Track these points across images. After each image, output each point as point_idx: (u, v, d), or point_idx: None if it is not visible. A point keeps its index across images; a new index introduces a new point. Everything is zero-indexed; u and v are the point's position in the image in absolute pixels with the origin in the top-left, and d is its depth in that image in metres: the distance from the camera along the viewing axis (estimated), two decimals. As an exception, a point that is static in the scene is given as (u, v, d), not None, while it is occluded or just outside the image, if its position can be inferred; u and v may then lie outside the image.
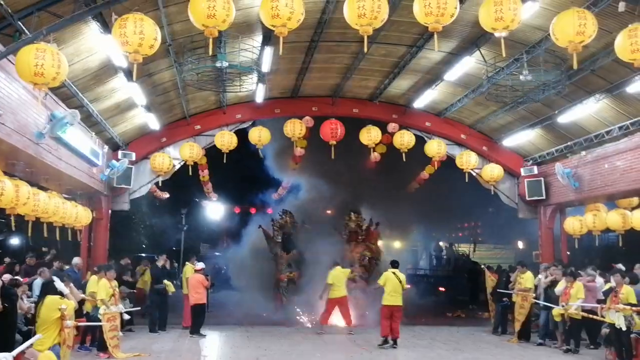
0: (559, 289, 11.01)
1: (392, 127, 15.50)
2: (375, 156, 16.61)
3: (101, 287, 9.79)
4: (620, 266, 11.86)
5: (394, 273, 11.43)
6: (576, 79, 11.40)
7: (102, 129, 12.96)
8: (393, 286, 11.29)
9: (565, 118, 13.27)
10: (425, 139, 15.90)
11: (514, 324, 12.40)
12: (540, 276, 12.38)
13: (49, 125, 9.41)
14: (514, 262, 18.12)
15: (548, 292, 11.65)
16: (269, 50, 10.93)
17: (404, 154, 15.20)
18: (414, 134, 15.32)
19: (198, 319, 12.42)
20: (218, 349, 11.17)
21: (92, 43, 9.31)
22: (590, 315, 10.23)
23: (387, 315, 11.23)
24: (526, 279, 12.30)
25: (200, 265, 13.10)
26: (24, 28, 7.57)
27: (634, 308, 9.09)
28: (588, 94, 12.18)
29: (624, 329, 9.24)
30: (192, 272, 13.43)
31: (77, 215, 12.46)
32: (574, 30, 7.12)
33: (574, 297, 10.64)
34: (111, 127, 13.24)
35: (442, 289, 22.27)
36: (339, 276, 13.16)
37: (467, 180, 16.34)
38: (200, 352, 10.67)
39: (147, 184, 15.30)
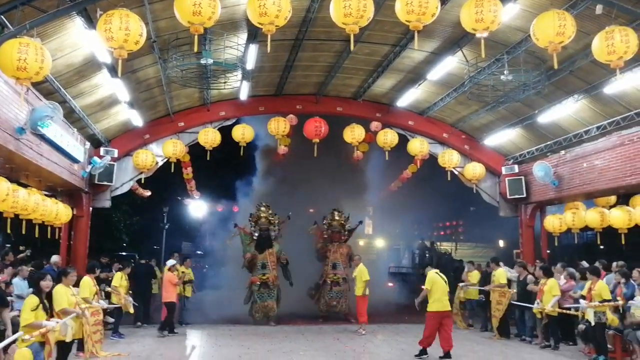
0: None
1: (375, 125, 15.63)
2: (358, 154, 16.69)
3: (84, 285, 9.73)
4: (584, 263, 12.18)
5: (437, 274, 10.23)
6: (555, 79, 11.63)
7: (84, 125, 12.84)
8: (441, 289, 10.04)
9: (545, 118, 13.53)
10: (408, 137, 16.05)
11: (492, 320, 12.53)
12: (514, 272, 12.61)
13: (30, 119, 9.30)
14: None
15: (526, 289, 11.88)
16: (253, 48, 10.96)
17: (387, 153, 15.33)
18: (397, 133, 15.45)
19: (166, 317, 12.39)
20: (200, 347, 11.15)
21: (76, 38, 9.24)
22: (567, 311, 10.45)
23: (436, 323, 9.89)
24: (499, 275, 12.51)
25: (170, 262, 13.04)
26: (7, 22, 7.50)
27: (606, 304, 9.34)
28: (567, 95, 12.45)
29: (592, 323, 9.50)
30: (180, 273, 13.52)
31: (58, 212, 12.29)
32: (554, 30, 7.29)
33: (549, 293, 10.86)
34: (94, 124, 13.13)
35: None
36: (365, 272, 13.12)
37: (449, 179, 16.53)
38: (183, 351, 10.65)
39: (130, 181, 15.17)
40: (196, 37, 7.39)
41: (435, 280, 10.08)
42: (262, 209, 15.30)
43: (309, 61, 13.50)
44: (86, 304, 9.29)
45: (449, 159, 15.97)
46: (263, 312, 14.30)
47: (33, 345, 6.03)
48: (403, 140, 15.87)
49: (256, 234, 15.02)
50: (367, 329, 13.49)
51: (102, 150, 14.08)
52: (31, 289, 6.46)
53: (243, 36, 11.10)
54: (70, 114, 11.79)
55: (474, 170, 16.13)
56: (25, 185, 11.22)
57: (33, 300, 6.20)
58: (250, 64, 11.58)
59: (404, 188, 21.57)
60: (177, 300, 12.85)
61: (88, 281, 9.79)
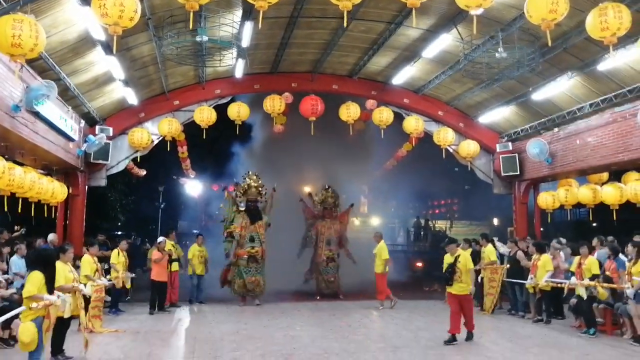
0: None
1: (370, 104, 15.64)
2: (354, 132, 16.71)
3: (85, 263, 9.90)
4: (561, 240, 12.42)
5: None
6: (549, 56, 11.65)
7: (79, 104, 12.80)
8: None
9: (539, 95, 13.58)
10: (404, 115, 16.09)
11: (485, 298, 12.67)
12: (506, 247, 12.81)
13: (25, 97, 9.29)
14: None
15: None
16: (249, 25, 10.89)
17: (382, 131, 15.38)
18: (393, 111, 15.48)
19: (152, 296, 12.53)
20: (197, 324, 11.29)
21: (70, 15, 9.16)
22: (560, 285, 10.67)
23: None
24: (489, 252, 12.69)
25: (160, 239, 13.13)
26: (-1, -2, 7.44)
27: (597, 282, 9.55)
28: (561, 72, 12.48)
29: (584, 297, 9.74)
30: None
31: (54, 191, 12.30)
32: (547, 7, 7.29)
33: (542, 268, 11.08)
34: (88, 102, 13.08)
35: (419, 264, 22.73)
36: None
37: (444, 157, 16.63)
38: (179, 328, 10.81)
39: (125, 159, 15.18)
40: (191, 13, 7.37)
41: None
42: (253, 177, 14.57)
43: (305, 39, 13.44)
44: (89, 281, 9.51)
45: (444, 136, 16.06)
46: (248, 287, 13.67)
47: (37, 319, 6.14)
48: (398, 119, 15.91)
49: (242, 205, 14.34)
50: (363, 305, 13.76)
51: (97, 128, 14.04)
52: (35, 267, 6.50)
53: (238, 13, 11.02)
54: (65, 92, 11.74)
55: (469, 147, 16.22)
56: (20, 164, 11.23)
57: (38, 275, 6.28)
58: (245, 42, 11.52)
59: (399, 167, 21.71)
60: (167, 279, 12.78)
61: (88, 259, 10.00)
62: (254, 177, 14.58)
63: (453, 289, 9.11)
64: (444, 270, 9.31)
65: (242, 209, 14.32)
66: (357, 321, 11.58)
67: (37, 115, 10.07)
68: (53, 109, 10.86)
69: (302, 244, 16.18)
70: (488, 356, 8.18)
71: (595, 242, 11.28)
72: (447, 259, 9.30)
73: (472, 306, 9.32)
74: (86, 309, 9.51)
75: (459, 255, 9.14)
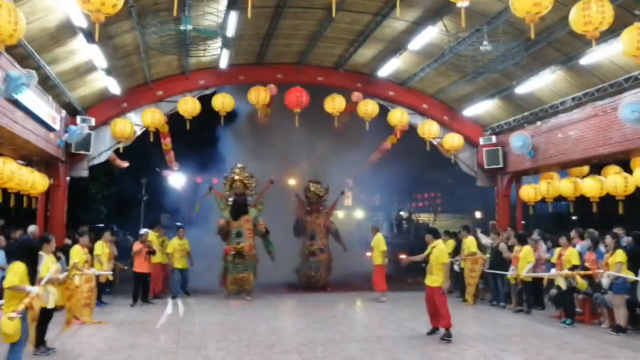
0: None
1: (356, 96, 15.58)
2: (339, 125, 16.69)
3: (74, 252, 9.81)
4: (537, 233, 12.65)
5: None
6: (533, 50, 11.75)
7: (59, 93, 12.57)
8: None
9: (523, 89, 13.71)
10: (389, 108, 16.12)
11: (467, 288, 12.83)
12: (489, 239, 12.96)
13: (3, 86, 9.09)
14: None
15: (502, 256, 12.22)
16: (234, 15, 10.79)
17: (367, 123, 15.38)
18: (378, 103, 15.50)
19: (134, 288, 12.40)
20: (182, 315, 11.21)
21: (50, 1, 8.98)
22: (541, 275, 10.84)
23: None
24: (469, 244, 12.84)
25: (142, 231, 13.01)
26: (-23, -17, 7.24)
27: (574, 272, 9.72)
28: (544, 66, 12.61)
29: (564, 288, 9.91)
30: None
31: (34, 181, 12.11)
32: (531, 1, 7.36)
33: (523, 260, 11.23)
34: (69, 91, 12.85)
35: (402, 256, 22.85)
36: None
37: (428, 150, 16.72)
38: (163, 320, 10.73)
39: (108, 150, 14.96)
40: (175, 1, 7.27)
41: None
42: (237, 170, 14.05)
43: (290, 29, 13.37)
44: (77, 270, 9.44)
45: (429, 129, 16.14)
46: (238, 284, 13.23)
47: (20, 311, 6.05)
48: (383, 112, 15.93)
49: (231, 199, 13.87)
50: (347, 297, 13.82)
51: (78, 118, 13.83)
52: (17, 258, 6.38)
53: (223, 2, 10.90)
54: (45, 81, 11.52)
55: (453, 140, 16.32)
56: (0, 156, 11.02)
57: (21, 266, 6.18)
58: (230, 31, 11.41)
59: (384, 160, 21.75)
60: (148, 271, 12.55)
61: (77, 249, 9.94)
62: (238, 170, 14.06)
63: (426, 279, 8.99)
64: (424, 256, 9.12)
65: (230, 202, 13.86)
66: (341, 312, 11.65)
67: (16, 103, 9.87)
68: (33, 98, 10.65)
69: (294, 234, 16.06)
70: (470, 344, 8.29)
71: (573, 234, 11.43)
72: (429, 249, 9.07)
73: (443, 301, 8.65)
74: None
75: (433, 247, 8.90)
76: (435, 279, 8.76)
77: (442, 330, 8.66)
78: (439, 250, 8.83)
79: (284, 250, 15.61)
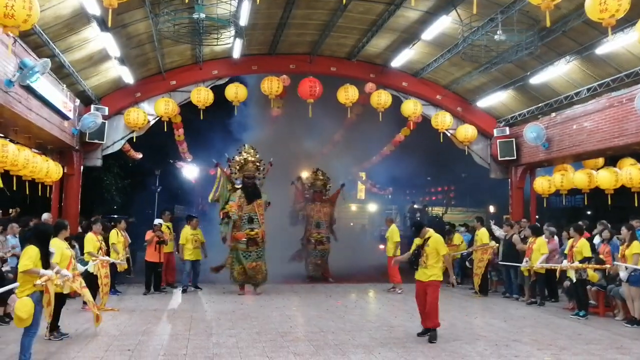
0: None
1: (369, 87, 15.46)
2: (352, 116, 16.66)
3: (88, 241, 9.93)
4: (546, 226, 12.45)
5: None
6: (548, 40, 11.59)
7: (74, 82, 12.67)
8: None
9: (537, 79, 13.54)
10: (402, 99, 16.02)
11: (474, 278, 12.77)
12: (502, 231, 12.85)
13: (18, 73, 9.18)
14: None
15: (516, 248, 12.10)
16: (246, 3, 10.76)
17: (380, 114, 15.30)
18: (391, 94, 15.40)
19: (147, 277, 12.46)
20: (194, 303, 11.30)
21: (64, -12, 9.05)
22: (554, 266, 10.72)
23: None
24: (482, 235, 12.75)
25: (156, 221, 13.05)
26: (-9, -31, 7.28)
27: (585, 264, 9.57)
28: (559, 56, 12.43)
29: (574, 280, 9.80)
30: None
31: (48, 169, 12.19)
32: (546, -13, 7.24)
33: (537, 251, 11.12)
34: (83, 80, 12.95)
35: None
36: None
37: (441, 141, 16.60)
38: (176, 307, 10.82)
39: (121, 139, 15.06)
40: (188, -13, 7.27)
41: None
42: (250, 151, 12.95)
43: (303, 19, 13.31)
44: (92, 258, 9.57)
45: (442, 120, 16.03)
46: (251, 273, 12.30)
47: (34, 295, 6.11)
48: (396, 103, 15.83)
49: (238, 182, 12.82)
50: (359, 287, 13.79)
51: (92, 107, 13.95)
52: (30, 242, 6.45)
53: (236, -9, 10.89)
54: (60, 69, 11.62)
55: (466, 132, 16.20)
56: (14, 143, 11.12)
57: (34, 249, 6.23)
58: (243, 20, 11.39)
59: (396, 152, 21.64)
60: (160, 260, 12.58)
61: (91, 237, 10.08)
62: (252, 151, 12.96)
63: (417, 274, 8.09)
64: (410, 254, 8.31)
65: (238, 186, 12.73)
66: (352, 302, 11.63)
67: (30, 91, 9.97)
68: (47, 86, 10.75)
69: (291, 222, 16.12)
70: (482, 335, 8.23)
71: (599, 228, 11.14)
72: (417, 241, 8.17)
73: (435, 298, 7.83)
74: (96, 287, 9.58)
75: (429, 238, 7.99)
76: (430, 273, 7.87)
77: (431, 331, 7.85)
78: (436, 241, 7.97)
79: (285, 236, 15.61)
